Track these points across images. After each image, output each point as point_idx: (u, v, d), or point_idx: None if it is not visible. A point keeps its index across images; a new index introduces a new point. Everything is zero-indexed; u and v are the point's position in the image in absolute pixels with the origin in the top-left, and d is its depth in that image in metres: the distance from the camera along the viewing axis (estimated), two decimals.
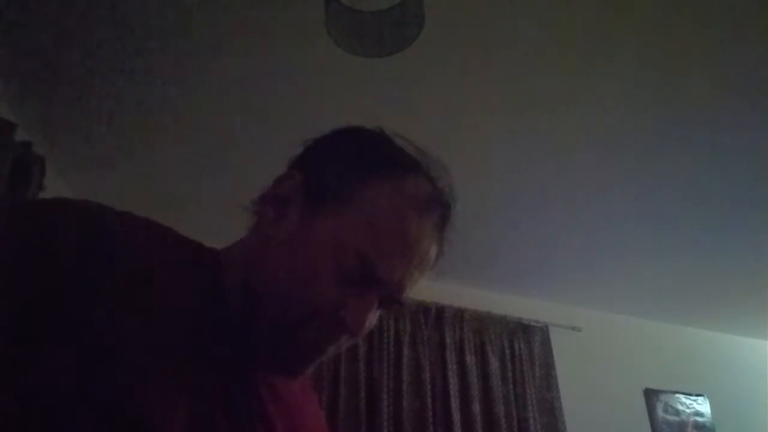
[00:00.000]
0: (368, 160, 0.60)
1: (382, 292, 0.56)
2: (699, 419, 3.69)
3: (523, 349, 3.29)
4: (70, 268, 0.45)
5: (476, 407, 2.95)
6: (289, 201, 0.59)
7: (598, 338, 3.63)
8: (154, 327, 0.47)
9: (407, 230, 0.56)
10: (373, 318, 0.58)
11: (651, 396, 3.63)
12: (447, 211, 0.61)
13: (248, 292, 0.56)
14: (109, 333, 0.44)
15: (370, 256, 0.54)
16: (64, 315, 0.43)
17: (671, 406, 3.65)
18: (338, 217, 0.56)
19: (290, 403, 0.63)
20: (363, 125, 0.64)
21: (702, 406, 3.75)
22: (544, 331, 3.43)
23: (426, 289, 3.22)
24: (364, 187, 0.57)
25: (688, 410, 3.69)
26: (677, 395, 3.70)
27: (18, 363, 0.41)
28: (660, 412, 3.60)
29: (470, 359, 3.09)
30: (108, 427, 0.42)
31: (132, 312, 0.46)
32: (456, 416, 2.88)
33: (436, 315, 3.16)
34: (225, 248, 0.62)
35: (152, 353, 0.46)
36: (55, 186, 2.30)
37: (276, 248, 0.56)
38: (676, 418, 3.62)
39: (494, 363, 3.14)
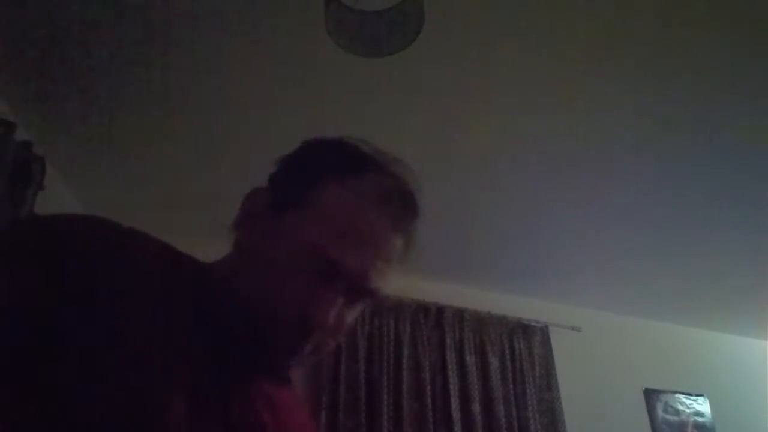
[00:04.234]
0: (326, 163, 0.63)
1: (349, 285, 0.58)
2: (699, 419, 3.69)
3: (523, 349, 3.29)
4: (75, 278, 0.49)
5: (476, 407, 2.95)
6: (258, 216, 0.63)
7: (598, 338, 3.62)
8: (151, 330, 0.51)
9: (363, 222, 0.59)
10: (350, 314, 0.61)
11: (651, 396, 3.63)
12: (408, 204, 0.63)
13: (231, 302, 0.59)
14: (111, 335, 0.48)
15: (329, 250, 0.57)
16: (67, 319, 0.47)
17: (671, 406, 3.66)
18: (300, 219, 0.59)
19: (282, 407, 0.65)
20: (325, 135, 0.67)
21: (702, 406, 3.75)
22: (544, 331, 3.43)
23: (426, 289, 3.22)
24: (321, 188, 0.60)
25: (688, 410, 3.69)
26: (677, 395, 3.70)
27: (27, 363, 0.45)
28: (660, 412, 3.60)
29: (470, 359, 3.09)
30: (115, 416, 0.45)
31: (132, 318, 0.50)
32: (456, 416, 2.88)
33: (436, 315, 3.16)
34: (214, 263, 0.66)
35: (150, 352, 0.50)
36: (55, 186, 2.30)
37: (250, 259, 0.61)
38: (676, 418, 3.63)
39: (494, 363, 3.14)
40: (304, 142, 0.67)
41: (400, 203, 0.62)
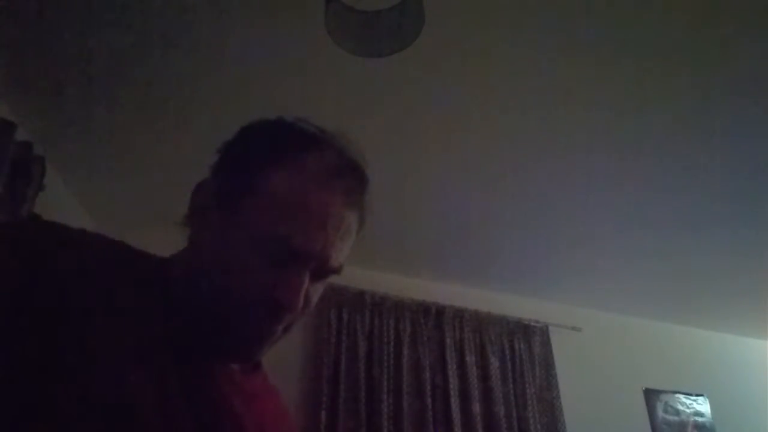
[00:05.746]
0: (268, 148, 0.62)
1: (311, 266, 0.59)
2: (699, 419, 3.69)
3: (523, 349, 3.29)
4: (39, 292, 0.50)
5: (476, 407, 2.95)
6: (207, 208, 0.62)
7: (598, 338, 3.63)
8: (118, 330, 0.53)
9: (314, 203, 0.58)
10: (313, 293, 0.62)
11: (651, 396, 3.63)
12: (355, 178, 0.63)
13: (190, 295, 0.60)
14: (83, 338, 0.50)
15: (285, 235, 0.57)
16: (44, 330, 0.49)
17: (671, 406, 3.65)
18: (251, 208, 0.59)
19: (253, 395, 0.67)
20: (266, 118, 0.66)
21: (702, 406, 3.75)
22: (544, 331, 3.43)
23: (426, 289, 3.22)
24: (267, 174, 0.59)
25: (688, 410, 3.69)
26: (677, 395, 3.70)
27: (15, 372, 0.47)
28: (660, 412, 3.60)
29: (470, 359, 3.09)
30: (97, 413, 0.48)
31: (99, 320, 0.52)
32: (456, 416, 2.88)
33: (436, 315, 3.16)
34: (172, 257, 0.66)
35: (118, 351, 0.52)
36: (55, 186, 2.30)
37: (206, 254, 0.61)
38: (676, 418, 3.62)
39: (494, 363, 3.14)
40: (243, 128, 0.66)
41: (349, 177, 0.62)
